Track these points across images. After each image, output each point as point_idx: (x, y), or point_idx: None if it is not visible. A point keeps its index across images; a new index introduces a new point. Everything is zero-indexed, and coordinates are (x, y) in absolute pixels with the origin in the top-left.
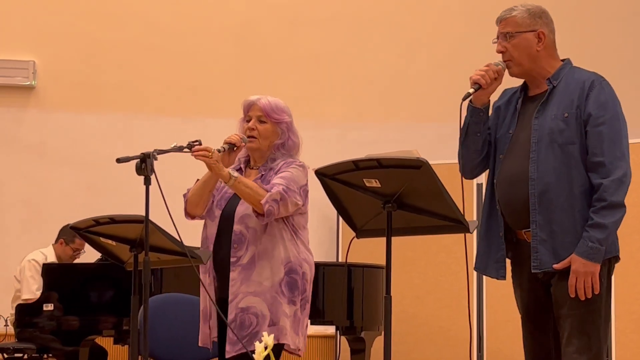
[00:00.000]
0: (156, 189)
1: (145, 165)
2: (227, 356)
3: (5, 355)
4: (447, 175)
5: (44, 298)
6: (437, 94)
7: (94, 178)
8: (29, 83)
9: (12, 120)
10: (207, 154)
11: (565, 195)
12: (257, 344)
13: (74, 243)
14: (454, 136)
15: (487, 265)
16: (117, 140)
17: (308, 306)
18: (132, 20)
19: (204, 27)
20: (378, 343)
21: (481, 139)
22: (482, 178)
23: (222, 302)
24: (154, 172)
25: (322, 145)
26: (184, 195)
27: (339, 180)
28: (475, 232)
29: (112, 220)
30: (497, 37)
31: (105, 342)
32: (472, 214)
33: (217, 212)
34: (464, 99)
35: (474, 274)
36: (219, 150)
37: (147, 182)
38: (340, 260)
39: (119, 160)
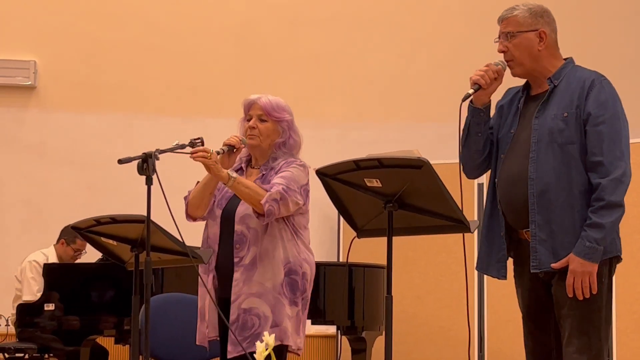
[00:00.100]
0: (158, 188)
1: (147, 165)
2: (229, 356)
3: (6, 355)
4: (447, 175)
5: (45, 298)
6: (437, 93)
7: (94, 178)
8: (29, 83)
9: (12, 120)
10: (206, 155)
11: (564, 195)
12: (257, 343)
13: (75, 243)
14: (454, 136)
15: (488, 265)
16: (117, 140)
17: (307, 305)
18: (132, 20)
19: (204, 27)
20: (379, 343)
21: (482, 139)
22: (483, 178)
23: (222, 302)
24: (156, 172)
25: (322, 145)
26: (185, 198)
27: (340, 180)
28: (475, 232)
29: (113, 220)
30: (499, 37)
31: (106, 342)
32: (473, 214)
33: (218, 212)
34: (463, 100)
35: (475, 274)
36: (218, 153)
37: (149, 182)
38: (341, 260)
39: (120, 161)
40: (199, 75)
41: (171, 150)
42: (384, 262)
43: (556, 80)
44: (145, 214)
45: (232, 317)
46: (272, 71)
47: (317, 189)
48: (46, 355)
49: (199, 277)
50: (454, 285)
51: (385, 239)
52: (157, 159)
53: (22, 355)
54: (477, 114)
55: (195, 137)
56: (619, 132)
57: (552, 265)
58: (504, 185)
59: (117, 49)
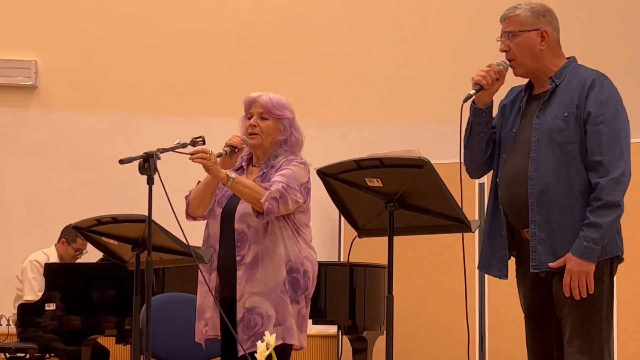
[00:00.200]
0: (159, 188)
1: (148, 164)
2: (239, 354)
3: (8, 355)
4: (448, 174)
5: (46, 298)
6: (438, 93)
7: (95, 178)
8: (30, 83)
9: (14, 120)
10: (205, 156)
11: (564, 194)
12: (259, 343)
13: (75, 243)
14: (455, 136)
15: (490, 265)
16: (118, 140)
17: (309, 303)
18: (133, 20)
19: (205, 27)
20: (380, 343)
21: (485, 139)
22: (484, 177)
23: (224, 300)
24: (157, 171)
25: (323, 145)
26: (186, 197)
27: (341, 179)
28: (476, 232)
29: (115, 219)
30: (501, 36)
31: (107, 341)
32: (473, 214)
33: (218, 211)
34: (465, 101)
35: (476, 274)
36: (220, 154)
37: (150, 182)
38: (342, 259)
39: (121, 162)
40: (200, 75)
41: (172, 149)
42: (385, 261)
43: (557, 79)
44: (146, 213)
45: (239, 315)
46: (273, 71)
47: (318, 189)
48: (47, 355)
49: (201, 274)
50: (455, 285)
51: (386, 238)
52: (159, 158)
53: (23, 355)
54: (479, 114)
55: (197, 136)
56: (619, 132)
57: (550, 264)
58: (505, 184)
59: (118, 49)
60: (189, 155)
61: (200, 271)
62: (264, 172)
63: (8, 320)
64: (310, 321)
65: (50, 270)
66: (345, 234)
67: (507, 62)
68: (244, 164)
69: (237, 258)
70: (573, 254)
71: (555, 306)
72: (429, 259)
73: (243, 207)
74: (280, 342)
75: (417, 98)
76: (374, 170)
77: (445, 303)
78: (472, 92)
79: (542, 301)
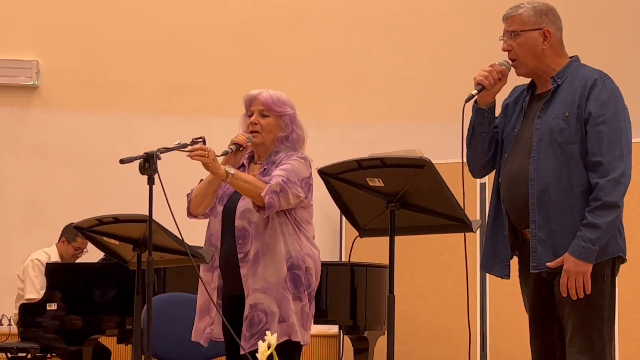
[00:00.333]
0: (159, 188)
1: (148, 164)
2: (241, 352)
3: (9, 355)
4: (449, 174)
5: (47, 297)
6: (439, 93)
7: (96, 178)
8: (32, 83)
9: (15, 120)
10: (203, 154)
11: (565, 195)
12: (260, 343)
13: (75, 242)
14: (457, 135)
15: (492, 265)
16: (119, 139)
17: (313, 300)
18: (134, 20)
19: (206, 27)
20: (381, 342)
21: (487, 139)
22: (486, 177)
23: (228, 299)
24: (157, 171)
25: (324, 144)
26: (188, 195)
27: (342, 179)
28: (477, 232)
29: (116, 219)
30: (503, 35)
31: (108, 341)
32: (475, 214)
33: (220, 209)
34: (467, 101)
35: (477, 274)
36: (226, 152)
37: (151, 182)
38: (343, 259)
39: (122, 161)
40: (201, 75)
41: (173, 149)
42: (386, 261)
43: (559, 79)
44: (147, 213)
45: (246, 312)
46: (274, 71)
47: (319, 189)
48: (49, 355)
49: (201, 274)
50: (455, 285)
51: (387, 238)
52: (159, 158)
53: (24, 354)
54: (481, 114)
55: (197, 137)
56: (620, 132)
57: (547, 264)
58: (506, 184)
59: (119, 48)
60: (187, 154)
61: (198, 271)
62: (264, 169)
63: (9, 320)
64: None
65: (51, 270)
66: (347, 233)
67: (510, 62)
68: (245, 161)
69: (240, 255)
70: (570, 253)
71: (557, 306)
72: (429, 258)
73: (243, 204)
74: (285, 338)
75: (418, 98)
76: (375, 170)
77: (445, 303)
78: (474, 92)
79: (544, 301)
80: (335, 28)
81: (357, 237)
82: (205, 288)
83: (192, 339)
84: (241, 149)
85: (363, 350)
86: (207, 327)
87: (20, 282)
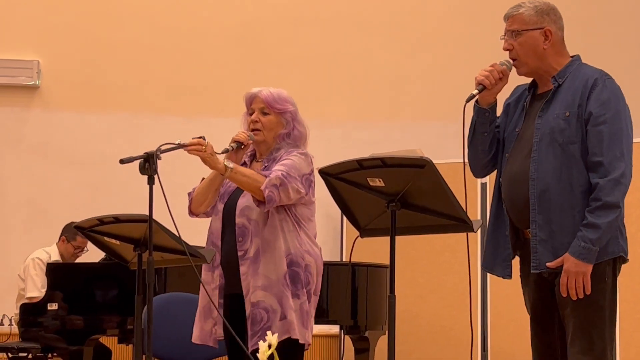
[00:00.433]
0: (160, 188)
1: (148, 164)
2: (250, 350)
3: (10, 355)
4: (450, 174)
5: (48, 297)
6: (440, 93)
7: (97, 177)
8: (32, 83)
9: (16, 120)
10: (201, 148)
11: (565, 195)
12: (260, 343)
13: (75, 241)
14: (458, 135)
15: (494, 264)
16: (120, 139)
17: (315, 299)
18: (135, 20)
19: (207, 26)
20: (382, 342)
21: (488, 139)
22: (487, 177)
23: (229, 298)
24: (157, 171)
25: (325, 144)
26: (189, 194)
27: (343, 179)
28: (478, 232)
29: (116, 219)
30: (504, 34)
31: (109, 341)
32: (476, 214)
33: (220, 207)
34: (467, 101)
35: (478, 274)
36: (226, 150)
37: (151, 182)
38: (344, 259)
39: (122, 161)
40: (202, 75)
41: (173, 149)
42: (386, 261)
43: (560, 78)
44: (147, 213)
45: (247, 311)
46: (275, 71)
47: (319, 189)
48: (49, 355)
49: (202, 274)
50: (456, 285)
51: (388, 238)
52: (159, 158)
53: (25, 354)
54: (482, 114)
55: (198, 137)
56: (620, 132)
57: (548, 264)
58: (507, 184)
59: (120, 48)
60: (184, 148)
61: (197, 272)
62: (266, 166)
63: (10, 320)
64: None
65: (52, 270)
66: (347, 233)
67: (511, 62)
68: (247, 159)
69: (240, 253)
70: (570, 254)
71: (558, 306)
72: (430, 258)
73: (243, 201)
74: (287, 336)
75: (419, 98)
76: (376, 170)
77: (446, 303)
78: (475, 92)
79: (545, 301)
80: (336, 28)
81: (357, 237)
82: (205, 289)
83: (197, 342)
84: (242, 147)
85: (364, 350)
86: (212, 328)
87: (21, 281)
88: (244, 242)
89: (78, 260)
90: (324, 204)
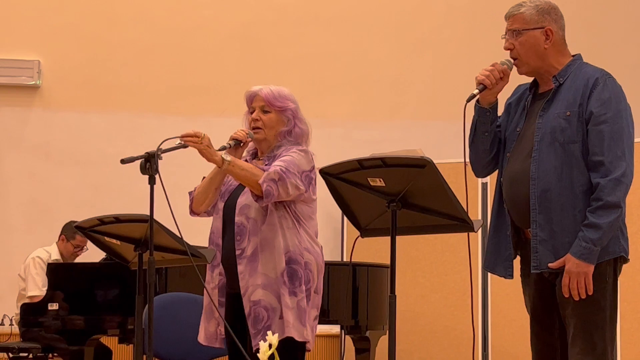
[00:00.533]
0: (160, 188)
1: (149, 164)
2: (254, 349)
3: (11, 355)
4: (451, 174)
5: (49, 297)
6: (441, 92)
7: (99, 177)
8: (33, 82)
9: (17, 120)
10: (197, 140)
11: (566, 195)
12: (261, 343)
13: (74, 239)
14: (459, 135)
15: (495, 264)
16: (122, 139)
17: (317, 297)
18: (136, 20)
19: (208, 26)
20: (383, 342)
21: (490, 138)
22: (488, 177)
23: (231, 297)
24: (158, 171)
25: (326, 144)
26: (190, 193)
27: (344, 179)
28: (479, 232)
29: (117, 219)
30: (505, 34)
31: (110, 341)
32: (477, 213)
33: (221, 205)
34: (468, 101)
35: (479, 273)
36: (224, 147)
37: (152, 182)
38: (344, 259)
39: (123, 161)
40: (203, 74)
41: (173, 149)
42: (387, 261)
43: (561, 78)
44: (148, 213)
45: (246, 310)
46: (276, 70)
47: (320, 189)
48: (50, 355)
49: (203, 273)
50: (457, 285)
51: (388, 238)
52: (160, 158)
53: (26, 354)
54: (483, 114)
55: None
56: (621, 132)
57: (549, 264)
58: (508, 184)
59: (121, 48)
60: (180, 138)
61: (199, 272)
62: (267, 164)
63: (11, 320)
64: (316, 314)
65: (53, 270)
66: (348, 233)
67: (512, 61)
68: (248, 158)
69: (237, 252)
70: (572, 254)
71: (558, 306)
72: (431, 258)
73: (243, 200)
74: (284, 335)
75: (420, 97)
76: (376, 170)
77: (447, 303)
78: (476, 91)
79: (545, 301)
80: (337, 28)
81: (358, 237)
82: (205, 288)
83: (203, 343)
84: (242, 144)
85: (364, 350)
86: (216, 329)
87: (22, 281)
88: (241, 240)
89: (78, 260)
90: (324, 203)
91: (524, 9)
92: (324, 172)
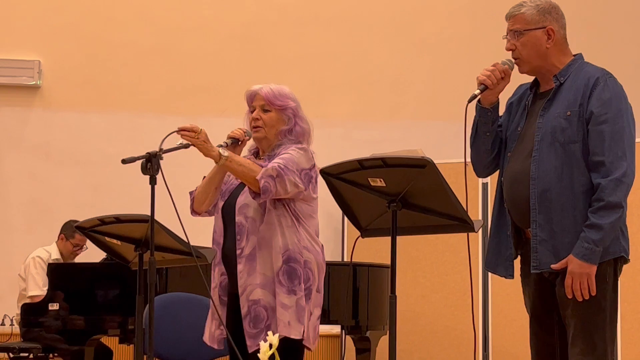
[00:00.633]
0: (162, 188)
1: (150, 164)
2: (250, 351)
3: (11, 355)
4: (451, 174)
5: (49, 298)
6: (442, 92)
7: (99, 177)
8: (34, 83)
9: (17, 120)
10: (194, 135)
11: (566, 195)
12: (261, 343)
13: (73, 238)
14: (459, 135)
15: (496, 264)
16: (122, 139)
17: (319, 296)
18: (136, 20)
19: (208, 26)
20: (383, 342)
21: (491, 138)
22: (488, 177)
23: (232, 296)
24: (160, 171)
25: (326, 144)
26: (190, 193)
27: (344, 179)
28: (479, 232)
29: (117, 219)
30: (507, 34)
31: (110, 341)
32: (477, 214)
33: (221, 205)
34: (469, 101)
35: (479, 273)
36: (220, 146)
37: (153, 182)
38: (345, 259)
39: (124, 161)
40: (204, 74)
41: (174, 149)
42: (388, 261)
43: (562, 77)
44: (149, 213)
45: (243, 310)
46: (276, 70)
47: (321, 189)
48: (51, 355)
49: (203, 273)
50: (458, 285)
51: (389, 238)
52: (161, 158)
53: (26, 355)
54: (484, 114)
55: None
56: (622, 132)
57: (552, 266)
58: (509, 184)
59: (121, 48)
60: (177, 132)
61: (202, 272)
62: (267, 163)
63: (12, 320)
64: (318, 312)
65: (53, 270)
66: (349, 233)
67: (513, 61)
68: (249, 157)
69: (237, 251)
70: (574, 255)
71: (558, 306)
72: (431, 258)
73: (242, 199)
74: (283, 335)
75: (420, 97)
76: (376, 170)
77: (448, 303)
78: (477, 92)
79: (545, 301)
80: (338, 27)
81: (359, 237)
82: (207, 287)
83: (207, 342)
84: (239, 143)
85: (365, 350)
86: (217, 329)
87: (22, 281)
88: (241, 240)
89: (79, 260)
90: (325, 203)
91: (524, 9)
92: (325, 172)
